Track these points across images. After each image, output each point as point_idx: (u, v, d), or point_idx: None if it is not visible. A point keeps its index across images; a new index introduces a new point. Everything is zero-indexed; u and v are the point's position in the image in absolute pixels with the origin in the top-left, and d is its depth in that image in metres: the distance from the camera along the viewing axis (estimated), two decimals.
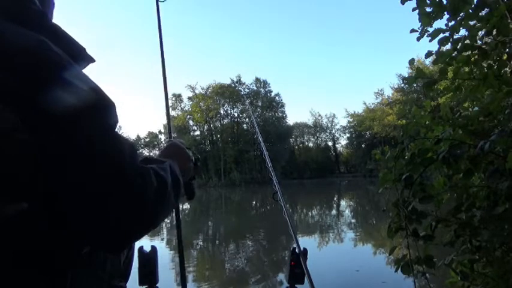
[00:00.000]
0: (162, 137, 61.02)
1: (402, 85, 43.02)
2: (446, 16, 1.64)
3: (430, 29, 1.66)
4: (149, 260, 1.07)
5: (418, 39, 1.70)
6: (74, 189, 0.47)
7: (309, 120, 62.59)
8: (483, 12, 1.58)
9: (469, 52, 1.62)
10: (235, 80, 50.27)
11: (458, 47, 1.62)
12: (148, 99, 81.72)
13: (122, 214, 0.49)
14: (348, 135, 59.41)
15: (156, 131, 62.41)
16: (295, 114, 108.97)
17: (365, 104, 54.22)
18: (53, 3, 0.66)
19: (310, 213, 15.81)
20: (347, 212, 15.50)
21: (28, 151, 0.44)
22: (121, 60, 77.34)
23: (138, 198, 0.51)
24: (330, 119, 61.14)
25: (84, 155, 0.48)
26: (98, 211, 0.48)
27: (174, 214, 1.13)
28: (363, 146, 54.46)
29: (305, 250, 1.32)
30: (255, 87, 51.85)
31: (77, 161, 0.47)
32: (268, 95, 52.35)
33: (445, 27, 1.64)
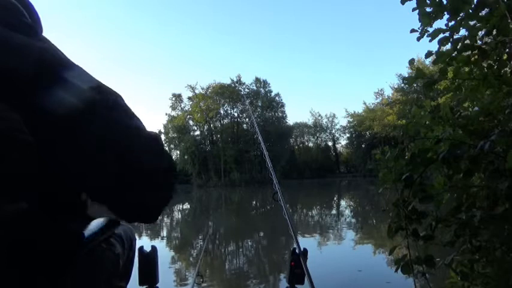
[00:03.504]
0: (162, 137, 61.03)
1: (402, 85, 43.01)
2: (446, 16, 1.64)
3: (430, 29, 1.66)
4: (149, 260, 1.07)
5: (418, 39, 1.70)
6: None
7: (309, 120, 62.58)
8: (483, 12, 1.58)
9: (469, 52, 1.62)
10: (235, 80, 50.32)
11: (458, 47, 1.62)
12: (149, 99, 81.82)
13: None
14: (348, 135, 59.41)
15: (156, 131, 62.34)
16: (295, 114, 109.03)
17: (365, 104, 54.22)
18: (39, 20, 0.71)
19: (310, 213, 15.81)
20: (347, 212, 15.50)
21: (30, 151, 0.44)
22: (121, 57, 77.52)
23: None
24: (330, 119, 61.15)
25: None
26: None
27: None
28: (362, 146, 54.42)
29: (305, 250, 1.32)
30: (255, 87, 51.86)
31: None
32: (268, 95, 52.30)
33: (445, 27, 1.64)
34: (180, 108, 51.80)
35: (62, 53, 0.59)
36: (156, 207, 0.63)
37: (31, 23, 0.62)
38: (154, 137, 0.63)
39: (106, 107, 0.55)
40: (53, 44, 0.63)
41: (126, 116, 0.59)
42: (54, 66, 0.54)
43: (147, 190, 0.57)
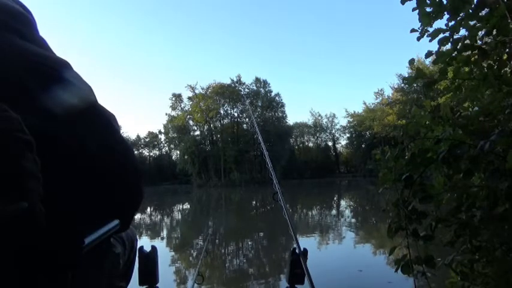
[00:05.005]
0: (162, 137, 61.11)
1: (402, 85, 42.98)
2: (446, 16, 1.64)
3: (430, 29, 1.66)
4: (149, 260, 1.07)
5: (418, 39, 1.70)
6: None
7: (309, 120, 62.71)
8: (483, 12, 1.58)
9: (469, 52, 1.62)
10: (235, 79, 50.30)
11: (458, 47, 1.62)
12: (149, 98, 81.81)
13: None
14: (348, 135, 59.48)
15: (156, 131, 62.39)
16: (295, 114, 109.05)
17: (365, 104, 54.26)
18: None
19: (310, 213, 15.81)
20: (347, 212, 15.49)
21: (30, 151, 0.44)
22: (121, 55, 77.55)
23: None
24: (330, 119, 61.25)
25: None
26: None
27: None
28: (362, 146, 54.44)
29: (305, 250, 1.31)
30: (255, 87, 51.84)
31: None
32: (268, 95, 52.28)
33: (445, 27, 1.64)
34: (180, 108, 51.82)
35: (59, 57, 0.60)
36: (134, 205, 0.69)
37: (29, 26, 0.63)
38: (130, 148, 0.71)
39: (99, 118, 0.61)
40: (49, 46, 0.64)
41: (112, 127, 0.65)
42: (53, 69, 0.55)
43: (129, 190, 0.65)
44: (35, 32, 0.64)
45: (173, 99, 51.39)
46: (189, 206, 23.28)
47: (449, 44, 1.64)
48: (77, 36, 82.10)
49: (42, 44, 0.62)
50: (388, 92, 50.71)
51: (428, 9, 1.64)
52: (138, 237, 0.99)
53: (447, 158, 1.36)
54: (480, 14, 1.58)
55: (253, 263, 6.86)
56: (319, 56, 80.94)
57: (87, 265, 0.60)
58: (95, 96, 0.62)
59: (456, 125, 1.48)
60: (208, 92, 49.50)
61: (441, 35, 1.65)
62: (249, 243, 9.23)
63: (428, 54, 1.68)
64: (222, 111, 50.40)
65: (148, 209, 18.14)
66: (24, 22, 0.61)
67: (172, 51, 79.35)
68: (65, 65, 0.59)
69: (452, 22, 1.63)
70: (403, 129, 1.62)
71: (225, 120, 51.21)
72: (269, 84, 52.58)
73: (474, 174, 1.49)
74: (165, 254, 7.24)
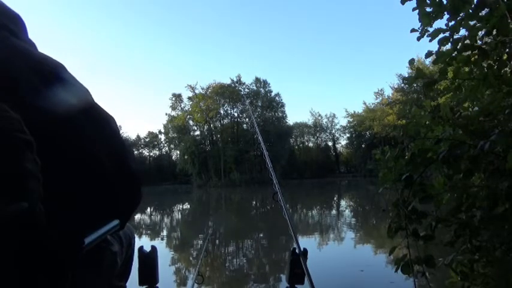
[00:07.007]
0: (162, 137, 61.07)
1: (402, 85, 42.99)
2: (446, 16, 1.64)
3: (430, 29, 1.66)
4: (149, 260, 1.07)
5: (418, 39, 1.70)
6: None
7: (309, 120, 62.69)
8: (483, 12, 1.58)
9: (469, 52, 1.62)
10: (235, 80, 50.29)
11: (458, 47, 1.62)
12: (149, 98, 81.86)
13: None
14: (348, 135, 59.48)
15: (156, 131, 62.33)
16: (295, 114, 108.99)
17: (365, 104, 54.29)
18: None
19: (310, 213, 15.80)
20: (347, 212, 15.49)
21: (30, 151, 0.44)
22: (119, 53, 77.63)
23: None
24: (330, 119, 61.24)
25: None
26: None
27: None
28: (362, 146, 54.45)
29: (305, 250, 1.31)
30: (255, 87, 51.82)
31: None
32: (268, 95, 52.27)
33: (445, 27, 1.64)
34: (180, 108, 51.81)
35: (55, 59, 0.62)
36: (134, 202, 0.71)
37: (23, 29, 0.64)
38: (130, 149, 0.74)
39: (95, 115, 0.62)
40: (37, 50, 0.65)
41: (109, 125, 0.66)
42: (53, 70, 0.56)
43: (129, 187, 0.67)
44: (27, 36, 0.64)
45: (173, 99, 51.43)
46: (189, 206, 23.27)
47: (449, 44, 1.64)
48: (78, 37, 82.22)
49: (35, 47, 0.63)
50: (388, 92, 50.84)
51: (428, 9, 1.64)
52: (138, 238, 1.00)
53: (447, 158, 1.36)
54: (480, 14, 1.58)
55: (253, 263, 6.85)
56: (319, 56, 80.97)
57: (86, 264, 0.60)
58: (92, 98, 0.63)
59: (456, 125, 1.48)
60: (208, 92, 49.47)
61: (441, 35, 1.65)
62: (249, 243, 9.23)
63: (428, 54, 1.68)
64: (222, 111, 50.41)
65: (148, 209, 18.14)
66: (19, 25, 0.62)
67: (172, 51, 79.41)
68: (62, 67, 0.61)
69: (452, 22, 1.63)
70: (403, 129, 1.62)
71: (225, 120, 51.23)
72: (269, 84, 52.62)
73: (474, 174, 1.49)
74: (165, 254, 7.24)
